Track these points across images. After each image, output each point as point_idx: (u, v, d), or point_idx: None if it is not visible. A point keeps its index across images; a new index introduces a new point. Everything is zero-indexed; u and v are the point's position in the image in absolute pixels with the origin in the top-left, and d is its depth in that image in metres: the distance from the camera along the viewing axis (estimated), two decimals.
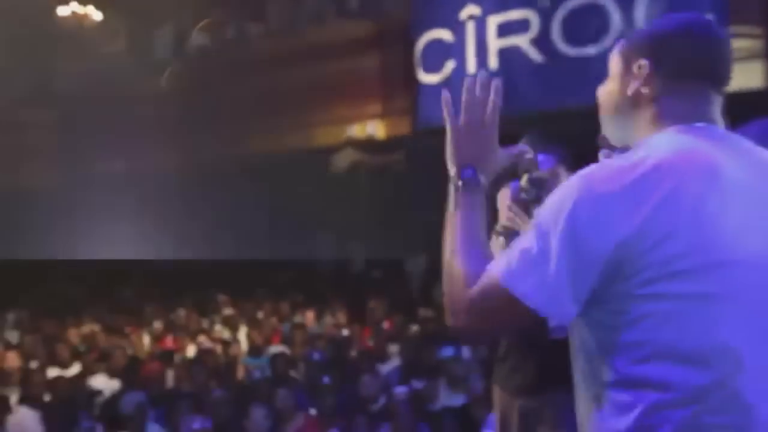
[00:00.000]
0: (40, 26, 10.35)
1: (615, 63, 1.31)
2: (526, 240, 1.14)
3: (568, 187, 1.12)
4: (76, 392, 4.96)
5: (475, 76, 1.33)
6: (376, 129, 7.28)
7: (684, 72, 1.23)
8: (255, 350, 6.57)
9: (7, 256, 9.95)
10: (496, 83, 1.32)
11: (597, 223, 1.07)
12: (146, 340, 7.11)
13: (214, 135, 8.66)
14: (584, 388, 1.18)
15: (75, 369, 5.86)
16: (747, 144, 1.22)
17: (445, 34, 6.68)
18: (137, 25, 10.39)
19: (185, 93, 9.10)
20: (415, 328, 6.58)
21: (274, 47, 8.37)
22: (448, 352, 5.22)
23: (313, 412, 4.61)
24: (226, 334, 7.17)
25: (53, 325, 7.66)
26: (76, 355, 6.21)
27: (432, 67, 6.58)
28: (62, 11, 10.00)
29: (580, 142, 1.93)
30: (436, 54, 6.55)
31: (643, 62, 1.24)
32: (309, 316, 7.52)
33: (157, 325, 7.60)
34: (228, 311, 7.91)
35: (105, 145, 9.70)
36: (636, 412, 1.09)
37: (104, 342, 6.72)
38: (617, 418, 1.11)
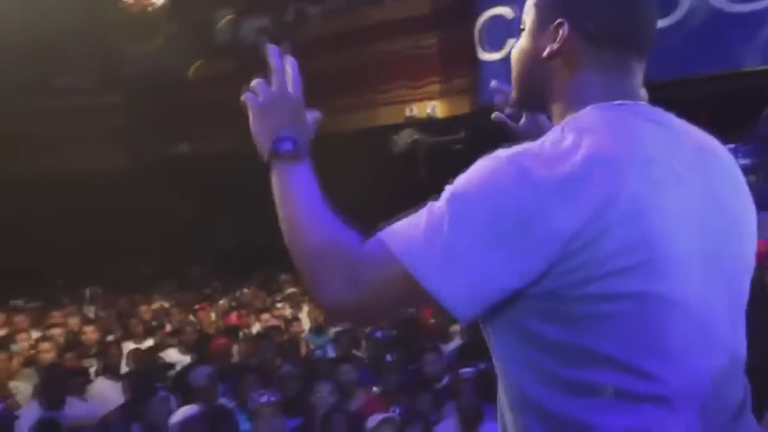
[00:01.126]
0: (107, 12, 10.66)
1: (530, 17, 1.14)
2: (431, 217, 0.98)
3: (494, 170, 0.97)
4: (151, 364, 5.18)
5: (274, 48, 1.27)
6: (435, 108, 7.24)
7: (606, 38, 1.07)
8: (317, 328, 6.69)
9: (80, 237, 10.40)
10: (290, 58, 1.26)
11: (532, 214, 0.93)
12: (212, 316, 7.33)
13: None
14: (506, 395, 1.06)
15: (148, 343, 6.11)
16: (678, 122, 1.09)
17: (505, 11, 6.56)
18: (198, 7, 10.59)
19: (247, 75, 9.24)
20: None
21: (332, 27, 8.40)
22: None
23: (376, 389, 4.68)
24: (288, 312, 7.32)
25: (126, 301, 7.98)
26: (148, 330, 6.47)
27: (492, 45, 6.49)
28: None
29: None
30: (497, 31, 6.44)
31: (561, 21, 1.08)
32: None
33: (223, 302, 7.82)
34: (291, 290, 8.06)
35: (170, 127, 9.98)
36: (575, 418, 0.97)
37: (175, 318, 6.97)
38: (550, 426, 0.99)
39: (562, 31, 1.08)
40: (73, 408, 4.39)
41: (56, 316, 7.11)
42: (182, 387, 4.53)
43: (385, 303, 1.05)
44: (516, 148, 1.00)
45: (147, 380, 4.50)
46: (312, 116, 1.27)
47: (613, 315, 0.95)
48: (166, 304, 7.67)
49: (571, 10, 1.08)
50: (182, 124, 9.85)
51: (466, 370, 4.03)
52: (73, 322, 6.76)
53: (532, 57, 1.12)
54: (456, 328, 6.16)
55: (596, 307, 0.95)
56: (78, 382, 4.71)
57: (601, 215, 0.93)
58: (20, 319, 6.97)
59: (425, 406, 4.17)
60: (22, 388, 4.87)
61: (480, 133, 7.00)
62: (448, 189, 1.01)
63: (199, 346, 5.61)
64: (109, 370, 5.18)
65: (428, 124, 7.14)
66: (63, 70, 10.98)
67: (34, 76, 10.59)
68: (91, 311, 7.48)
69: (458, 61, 7.11)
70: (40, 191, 10.19)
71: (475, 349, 5.34)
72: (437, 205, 0.99)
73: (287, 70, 1.26)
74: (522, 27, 1.16)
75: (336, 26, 8.25)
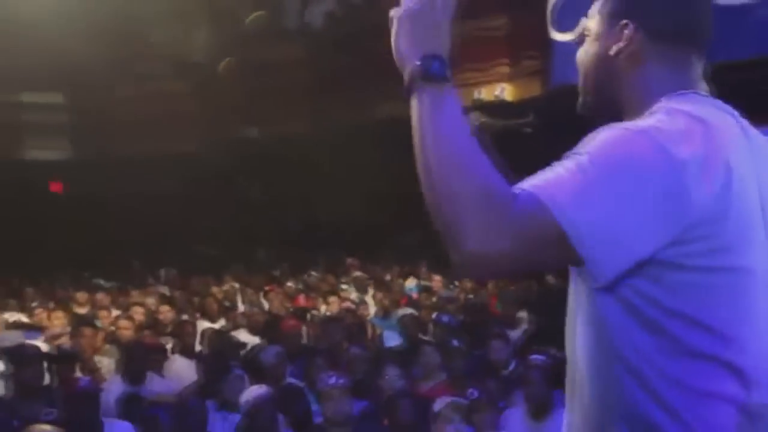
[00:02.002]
0: (183, 1, 10.92)
1: (596, 23, 1.23)
2: (583, 178, 1.01)
3: (630, 140, 1.03)
4: (225, 344, 5.33)
5: None
6: (504, 91, 7.12)
7: (667, 35, 1.18)
8: (383, 312, 6.74)
9: (153, 219, 10.77)
10: None
11: (673, 187, 1.01)
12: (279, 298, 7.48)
13: (343, 100, 8.83)
14: (598, 366, 1.10)
15: (221, 323, 6.29)
16: (733, 111, 1.17)
17: None
18: None
19: (315, 59, 9.32)
20: (543, 295, 6.49)
21: None
22: None
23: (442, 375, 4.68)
24: (354, 295, 7.39)
25: (198, 282, 8.22)
26: (220, 311, 6.66)
27: (566, 25, 6.31)
28: None
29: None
30: (571, 11, 6.26)
31: (626, 22, 1.18)
32: (437, 280, 7.59)
33: (290, 284, 7.96)
34: (357, 273, 8.14)
35: (239, 111, 10.19)
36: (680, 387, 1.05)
37: (246, 299, 7.15)
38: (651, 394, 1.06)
39: (628, 31, 1.18)
40: (153, 383, 4.57)
41: (134, 295, 7.40)
42: (252, 366, 4.65)
43: (528, 257, 1.03)
44: (638, 124, 1.07)
45: (221, 359, 4.63)
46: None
47: (715, 286, 1.05)
48: (237, 286, 7.87)
49: (635, 12, 1.18)
50: (251, 109, 10.03)
51: (536, 357, 3.98)
52: (150, 301, 7.02)
53: (601, 57, 1.21)
54: (523, 314, 6.09)
55: (702, 278, 1.05)
56: (157, 359, 4.90)
57: (723, 195, 1.04)
58: (101, 298, 7.29)
59: (493, 393, 4.15)
60: (106, 362, 5.10)
61: (551, 116, 6.84)
62: (585, 154, 1.03)
63: (269, 327, 5.73)
64: (184, 348, 5.36)
65: (496, 107, 7.03)
66: (141, 57, 11.34)
67: (117, 63, 10.98)
68: (165, 291, 7.74)
69: (528, 43, 6.96)
70: (115, 175, 10.61)
71: (542, 336, 5.28)
72: (583, 168, 1.02)
73: None
74: (586, 34, 1.25)
75: None
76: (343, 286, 7.54)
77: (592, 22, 1.23)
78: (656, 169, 1.01)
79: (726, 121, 1.12)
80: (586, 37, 1.24)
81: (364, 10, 9.08)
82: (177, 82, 11.13)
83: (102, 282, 8.73)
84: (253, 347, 5.14)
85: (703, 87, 1.18)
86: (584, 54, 1.25)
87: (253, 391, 3.98)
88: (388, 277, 8.07)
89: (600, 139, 1.06)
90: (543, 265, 1.09)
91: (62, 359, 4.48)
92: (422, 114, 1.08)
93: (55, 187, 12.00)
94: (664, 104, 1.13)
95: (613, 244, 1.01)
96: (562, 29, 6.32)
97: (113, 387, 4.38)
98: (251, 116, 10.04)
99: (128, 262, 10.07)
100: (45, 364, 4.32)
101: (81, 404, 3.67)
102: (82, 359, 4.91)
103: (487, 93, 7.19)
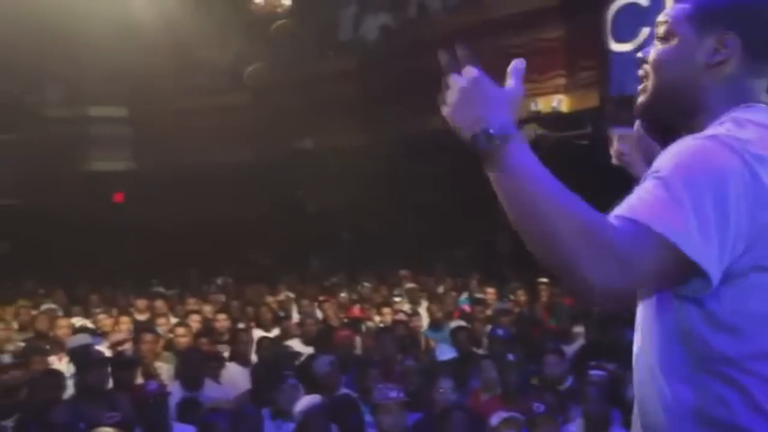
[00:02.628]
0: (237, 14, 11.19)
1: (683, 27, 1.21)
2: (677, 195, 1.04)
3: (711, 150, 1.06)
4: (280, 352, 5.39)
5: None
6: (561, 102, 7.02)
7: (765, 50, 1.18)
8: (436, 324, 6.71)
9: (209, 228, 11.01)
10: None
11: (755, 194, 1.05)
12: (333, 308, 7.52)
13: (396, 112, 8.86)
14: (684, 377, 1.13)
15: (275, 332, 6.37)
16: None
17: None
18: (322, 7, 10.88)
19: (369, 71, 9.39)
20: (597, 308, 6.36)
21: (454, 22, 8.34)
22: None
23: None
24: (407, 307, 7.38)
25: (253, 291, 8.35)
26: (275, 320, 6.74)
27: (624, 35, 6.19)
28: (258, 0, 10.72)
29: None
30: (630, 20, 6.14)
31: (732, 36, 1.16)
32: (490, 293, 7.52)
33: (343, 295, 8.01)
34: (409, 285, 8.13)
35: (294, 123, 10.33)
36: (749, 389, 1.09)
37: (300, 309, 7.22)
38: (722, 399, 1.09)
39: (731, 44, 1.17)
40: (210, 390, 4.66)
41: (191, 303, 7.56)
42: (306, 376, 4.69)
43: (647, 280, 1.07)
44: (707, 132, 1.11)
45: (275, 368, 4.69)
46: (513, 92, 1.21)
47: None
48: (291, 295, 7.96)
49: (739, 24, 1.17)
50: (306, 121, 10.17)
51: (595, 373, 3.90)
52: (207, 309, 7.16)
53: (689, 65, 1.20)
54: (579, 329, 5.98)
55: (761, 276, 1.09)
56: (213, 365, 5.00)
57: None
58: (159, 305, 7.47)
59: (549, 408, 4.07)
60: (165, 368, 5.23)
61: (607, 128, 6.72)
62: (666, 170, 1.07)
63: (323, 337, 5.77)
64: (239, 356, 5.44)
65: (553, 119, 6.94)
66: (199, 70, 11.65)
67: (176, 77, 11.33)
68: (221, 299, 7.88)
69: (585, 53, 6.85)
70: (174, 185, 10.90)
71: (598, 351, 5.16)
72: (668, 184, 1.06)
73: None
74: (661, 36, 1.24)
75: (457, 21, 8.19)
76: (397, 298, 7.54)
77: (679, 26, 1.21)
78: (735, 172, 1.04)
79: None
80: (669, 39, 1.22)
81: (418, 22, 9.12)
82: (234, 94, 11.38)
83: (161, 289, 8.95)
84: (308, 357, 5.18)
85: (765, 98, 1.20)
86: (665, 57, 1.23)
87: (307, 401, 4.02)
88: (440, 290, 8.04)
89: (675, 152, 1.09)
90: (662, 283, 1.11)
91: (125, 364, 4.61)
92: (502, 174, 1.11)
93: (118, 197, 12.40)
94: (733, 115, 1.15)
95: (721, 248, 1.04)
96: (619, 39, 6.20)
97: (172, 392, 4.49)
98: (306, 128, 10.17)
99: (186, 270, 10.32)
100: (108, 369, 4.45)
101: (151, 408, 3.78)
102: (143, 365, 5.05)
103: (543, 105, 7.10)
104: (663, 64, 1.23)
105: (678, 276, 1.07)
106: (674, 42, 1.22)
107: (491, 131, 1.11)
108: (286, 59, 11.04)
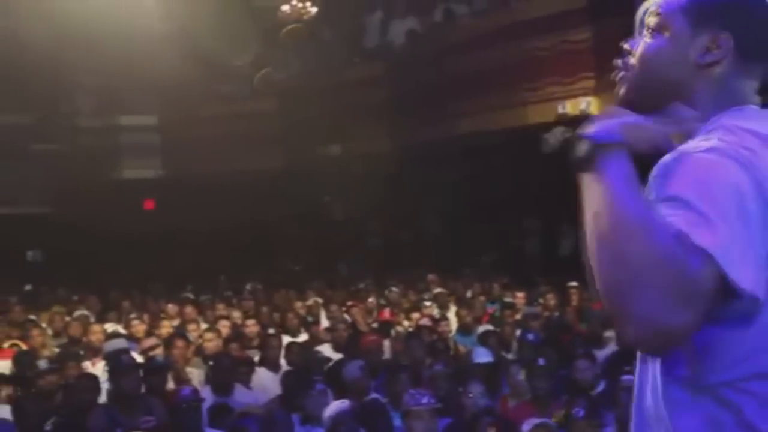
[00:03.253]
0: (265, 23, 11.31)
1: (678, 21, 1.14)
2: (707, 220, 0.96)
3: (720, 165, 1.00)
4: (309, 358, 5.41)
5: None
6: (590, 104, 6.95)
7: (757, 51, 1.14)
8: (464, 328, 6.67)
9: (238, 234, 11.12)
10: None
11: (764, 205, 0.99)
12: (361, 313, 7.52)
13: (423, 117, 8.86)
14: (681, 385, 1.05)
15: (303, 337, 6.40)
16: None
17: None
18: (348, 13, 10.95)
19: (396, 77, 9.41)
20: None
21: (481, 26, 8.33)
22: None
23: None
24: (435, 311, 7.36)
25: (281, 296, 8.40)
26: (303, 325, 6.77)
27: None
28: (284, 7, 10.84)
29: None
30: None
31: (726, 36, 1.12)
32: (519, 297, 7.46)
33: (372, 300, 8.01)
34: (438, 290, 8.10)
35: (321, 130, 10.40)
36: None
37: (329, 314, 7.24)
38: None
39: (726, 43, 1.12)
40: (240, 395, 4.69)
41: (221, 308, 7.63)
42: (335, 381, 4.69)
43: (702, 316, 0.95)
44: (714, 146, 1.03)
45: (305, 373, 4.70)
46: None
47: None
48: (320, 300, 7.98)
49: (734, 24, 1.12)
50: (332, 127, 10.22)
51: (629, 378, 3.83)
52: (236, 315, 7.22)
53: (680, 63, 1.14)
54: (610, 333, 5.90)
55: None
56: (244, 371, 5.03)
57: None
58: (189, 311, 7.54)
59: (580, 414, 4.02)
60: (195, 374, 5.28)
61: None
62: (689, 192, 0.99)
63: (351, 342, 5.77)
64: (269, 361, 5.47)
65: (582, 122, 6.87)
66: (226, 78, 11.79)
67: (203, 85, 11.48)
68: (251, 305, 7.93)
69: (614, 55, 6.78)
70: (202, 192, 11.03)
71: (632, 356, 5.08)
72: (694, 209, 0.98)
73: None
74: (653, 27, 1.17)
75: (485, 24, 8.17)
76: (426, 303, 7.52)
77: (670, 19, 1.15)
78: (746, 184, 0.99)
79: None
80: (661, 32, 1.16)
81: (444, 27, 9.12)
82: (261, 101, 11.49)
83: (190, 295, 9.04)
84: (337, 362, 5.18)
85: (756, 100, 1.15)
86: (655, 51, 1.16)
87: (336, 406, 4.02)
88: (469, 294, 7.99)
89: (682, 171, 1.01)
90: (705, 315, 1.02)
91: (157, 369, 4.66)
92: (594, 182, 1.02)
93: (148, 204, 12.58)
94: (723, 121, 1.10)
95: (757, 276, 0.97)
96: None
97: (204, 397, 4.52)
98: (333, 134, 10.23)
99: (215, 276, 10.41)
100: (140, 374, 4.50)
101: (184, 413, 3.82)
102: (174, 370, 5.10)
103: (571, 107, 7.04)
104: (652, 59, 1.17)
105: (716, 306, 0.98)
106: (666, 35, 1.16)
107: (592, 135, 1.04)
108: (312, 66, 11.12)
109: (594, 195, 1.01)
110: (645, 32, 1.19)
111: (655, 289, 0.92)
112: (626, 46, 1.21)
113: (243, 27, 11.17)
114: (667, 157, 1.05)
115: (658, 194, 1.02)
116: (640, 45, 1.19)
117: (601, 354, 5.43)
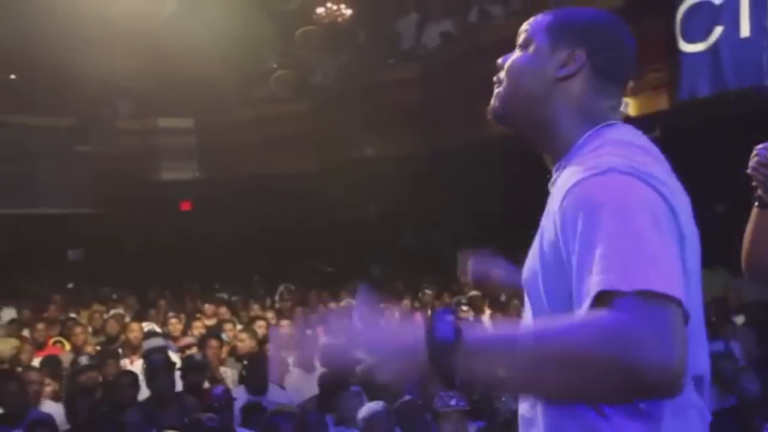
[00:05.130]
0: (300, 25, 11.40)
1: (540, 37, 1.25)
2: (630, 245, 0.98)
3: (631, 185, 1.04)
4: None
5: None
6: (627, 106, 6.83)
7: (610, 71, 1.23)
8: None
9: (272, 236, 11.21)
10: None
11: (675, 215, 1.07)
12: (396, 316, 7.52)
13: (457, 119, 8.83)
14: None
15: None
16: None
17: None
18: (383, 15, 10.96)
19: (430, 79, 9.39)
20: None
21: (516, 27, 8.22)
22: (716, 347, 4.77)
23: None
24: (471, 314, 7.32)
25: (315, 297, 8.45)
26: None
27: (695, 35, 5.98)
28: (319, 10, 10.90)
29: None
30: (702, 19, 5.92)
31: (581, 52, 1.22)
32: None
33: (405, 302, 8.00)
34: (473, 293, 8.05)
35: (355, 131, 10.42)
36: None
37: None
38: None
39: (579, 59, 1.22)
40: (274, 395, 4.73)
41: (256, 309, 7.70)
42: (368, 382, 4.69)
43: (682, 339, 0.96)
44: (611, 166, 1.08)
45: (340, 375, 4.71)
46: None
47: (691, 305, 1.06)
48: (353, 302, 8.00)
49: (588, 43, 1.23)
50: (367, 129, 10.23)
51: None
52: (270, 315, 7.28)
53: (540, 75, 1.24)
54: None
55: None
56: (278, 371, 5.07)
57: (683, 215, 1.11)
58: (224, 311, 7.64)
59: None
60: (229, 373, 5.34)
61: (678, 132, 6.49)
62: (606, 216, 1.01)
63: None
64: (303, 362, 5.50)
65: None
66: (262, 81, 11.91)
67: (239, 87, 11.62)
68: (285, 306, 7.99)
69: (653, 55, 6.64)
70: (238, 194, 11.15)
71: None
72: (614, 234, 1.00)
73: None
74: (520, 43, 1.28)
75: (520, 25, 8.09)
76: (464, 308, 7.48)
77: (535, 35, 1.26)
78: (661, 205, 1.05)
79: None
80: (526, 47, 1.26)
81: (479, 28, 9.06)
82: (296, 103, 11.58)
83: (225, 295, 9.16)
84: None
85: (620, 118, 1.24)
86: (519, 64, 1.27)
87: (370, 407, 4.02)
88: (503, 297, 7.93)
89: (609, 192, 1.04)
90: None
91: (194, 368, 4.73)
92: (487, 368, 1.00)
93: (185, 206, 12.77)
94: (603, 138, 1.17)
95: (678, 284, 0.99)
96: (690, 39, 6.00)
97: (237, 396, 4.57)
98: (367, 136, 10.25)
99: (249, 276, 10.51)
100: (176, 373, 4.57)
101: (216, 412, 3.86)
102: (209, 369, 5.16)
103: None
104: (516, 71, 1.26)
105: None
106: (530, 50, 1.26)
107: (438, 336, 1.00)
108: (347, 68, 11.17)
109: (516, 365, 0.98)
110: (516, 50, 1.30)
111: (634, 367, 0.90)
112: (499, 61, 1.32)
113: (279, 29, 11.28)
114: (572, 185, 1.08)
115: (582, 236, 1.02)
116: (509, 59, 1.30)
117: None
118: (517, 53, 1.29)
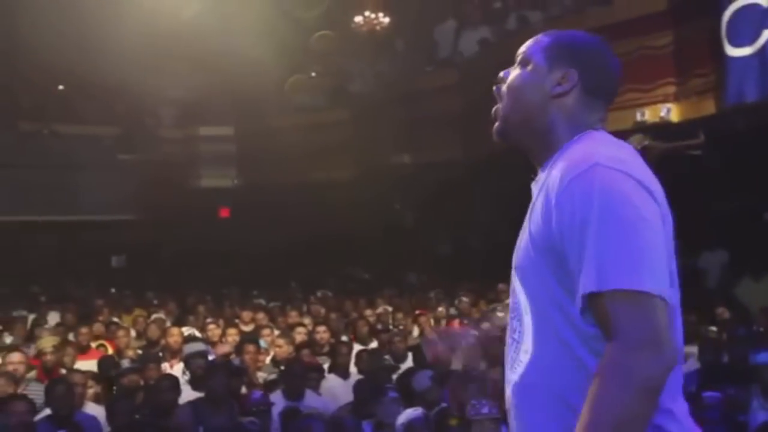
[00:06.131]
0: (338, 33, 11.48)
1: (538, 56, 1.41)
2: (620, 242, 1.17)
3: (618, 181, 1.21)
4: (379, 365, 5.41)
5: None
6: (670, 111, 6.70)
7: (598, 91, 1.39)
8: None
9: (310, 242, 11.27)
10: None
11: (655, 200, 1.25)
12: (432, 323, 7.48)
13: (494, 126, 8.77)
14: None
15: (373, 345, 6.41)
16: None
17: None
18: (421, 23, 10.97)
19: (468, 86, 9.36)
20: (713, 329, 6.02)
21: None
22: (763, 358, 4.63)
23: None
24: (505, 321, 7.23)
25: (351, 304, 8.45)
26: (373, 333, 6.78)
27: (743, 38, 5.82)
28: (357, 19, 10.97)
29: None
30: (749, 22, 5.77)
31: (573, 72, 1.38)
32: None
33: (441, 309, 7.95)
34: (509, 300, 7.97)
35: (392, 138, 10.44)
36: None
37: (394, 323, 7.23)
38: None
39: (573, 78, 1.38)
40: (311, 400, 4.75)
41: (293, 315, 7.74)
42: (405, 389, 4.67)
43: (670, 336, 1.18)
44: (596, 162, 1.24)
45: (376, 381, 4.71)
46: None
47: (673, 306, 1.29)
48: (389, 309, 7.99)
49: (580, 65, 1.38)
50: (404, 136, 10.24)
51: (711, 395, 3.67)
52: (307, 321, 7.31)
53: (539, 90, 1.40)
54: (692, 349, 5.66)
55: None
56: (314, 377, 5.09)
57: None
58: (261, 317, 7.69)
59: None
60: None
61: (724, 137, 6.33)
62: (597, 216, 1.19)
63: (420, 351, 5.74)
64: (339, 368, 5.51)
65: (661, 129, 6.63)
66: (300, 88, 12.02)
67: (278, 95, 11.76)
68: (321, 312, 8.02)
69: (697, 60, 6.50)
70: (276, 200, 11.26)
71: (713, 373, 4.87)
72: (604, 234, 1.19)
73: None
74: (519, 62, 1.43)
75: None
76: (500, 314, 7.41)
77: (535, 55, 1.41)
78: (649, 204, 1.22)
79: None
80: (525, 65, 1.41)
81: (517, 35, 9.00)
82: (334, 111, 11.65)
83: (263, 301, 9.23)
84: (406, 370, 5.17)
85: (604, 128, 1.39)
86: (519, 81, 1.42)
87: (409, 414, 4.00)
88: None
89: (597, 191, 1.21)
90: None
91: (235, 373, 4.78)
92: None
93: (224, 212, 12.95)
94: (587, 135, 1.35)
95: (663, 279, 1.21)
96: (737, 43, 5.85)
97: (275, 402, 4.60)
98: (404, 143, 10.25)
99: (286, 283, 10.59)
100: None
101: (254, 417, 3.89)
102: (247, 374, 5.21)
103: (651, 114, 6.79)
104: (517, 86, 1.42)
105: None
106: (529, 68, 1.41)
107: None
108: (385, 75, 11.20)
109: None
110: (514, 68, 1.46)
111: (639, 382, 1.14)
112: (501, 74, 1.47)
113: (317, 38, 11.39)
114: (568, 180, 1.24)
115: (576, 233, 1.21)
116: (510, 75, 1.45)
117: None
118: (517, 70, 1.44)
